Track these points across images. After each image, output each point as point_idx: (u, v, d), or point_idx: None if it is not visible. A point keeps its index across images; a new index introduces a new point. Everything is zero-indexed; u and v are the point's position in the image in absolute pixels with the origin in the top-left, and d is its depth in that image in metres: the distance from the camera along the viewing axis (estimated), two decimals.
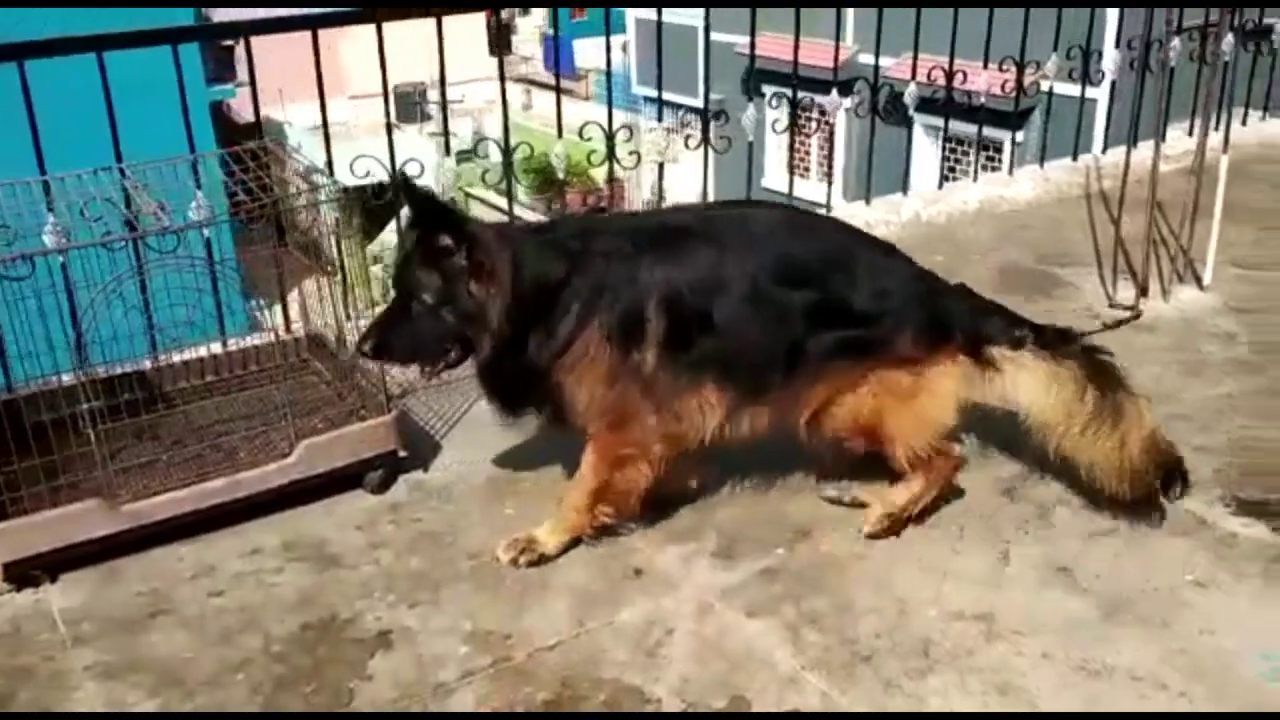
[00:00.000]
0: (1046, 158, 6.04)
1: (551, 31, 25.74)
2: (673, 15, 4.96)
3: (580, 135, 4.49)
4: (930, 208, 5.51)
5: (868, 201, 5.45)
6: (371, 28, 3.97)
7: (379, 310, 3.10)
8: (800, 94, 5.01)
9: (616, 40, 22.69)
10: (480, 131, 18.57)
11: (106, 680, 2.61)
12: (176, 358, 3.52)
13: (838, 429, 3.04)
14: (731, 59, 6.67)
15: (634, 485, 2.98)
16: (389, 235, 22.09)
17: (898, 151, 5.53)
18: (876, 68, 5.12)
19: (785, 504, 3.20)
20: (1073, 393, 3.00)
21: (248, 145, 3.33)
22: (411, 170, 4.18)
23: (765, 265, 2.92)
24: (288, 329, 3.94)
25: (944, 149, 5.64)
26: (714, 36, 5.30)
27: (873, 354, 2.97)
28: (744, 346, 2.91)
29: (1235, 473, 3.29)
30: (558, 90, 4.65)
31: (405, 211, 3.00)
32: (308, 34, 3.93)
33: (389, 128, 4.15)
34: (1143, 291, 4.42)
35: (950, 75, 5.29)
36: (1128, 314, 4.28)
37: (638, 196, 19.47)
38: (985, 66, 5.42)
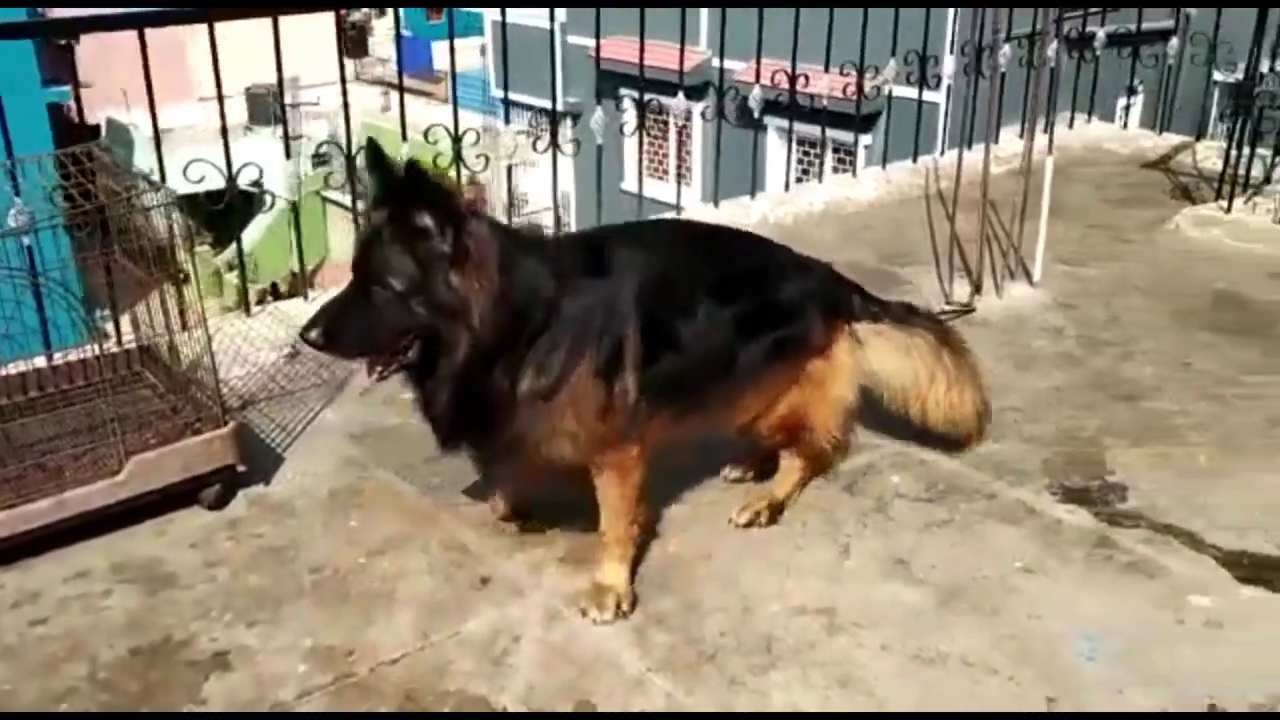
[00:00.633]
0: (895, 160, 6.22)
1: (409, 33, 25.42)
2: (529, 18, 4.95)
3: (426, 138, 4.43)
4: (778, 209, 5.61)
5: (716, 204, 5.52)
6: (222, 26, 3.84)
7: (330, 296, 2.69)
8: (652, 97, 5.05)
9: (475, 42, 22.54)
10: (335, 135, 18.22)
11: None
12: None
13: (771, 427, 3.12)
14: (588, 63, 6.68)
15: (645, 486, 2.87)
16: (245, 242, 21.61)
17: (755, 154, 5.63)
18: (721, 70, 5.19)
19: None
20: (933, 357, 3.23)
21: (68, 150, 3.18)
22: (249, 174, 4.09)
23: (705, 279, 2.92)
24: (119, 340, 3.79)
25: (790, 151, 5.75)
26: (570, 39, 5.30)
27: (796, 350, 3.06)
28: (698, 361, 2.88)
29: (1061, 462, 3.44)
30: (400, 91, 4.58)
31: (374, 185, 2.60)
32: (155, 33, 3.78)
33: (224, 130, 4.02)
34: (977, 289, 4.58)
35: (793, 79, 5.40)
36: (962, 310, 4.43)
37: (498, 199, 19.39)
38: (826, 70, 5.55)
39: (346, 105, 4.31)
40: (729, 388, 2.99)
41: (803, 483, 3.24)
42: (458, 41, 4.80)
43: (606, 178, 5.08)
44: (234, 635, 2.71)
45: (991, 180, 4.80)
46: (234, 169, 4.03)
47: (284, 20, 4.08)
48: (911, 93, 5.91)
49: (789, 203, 5.72)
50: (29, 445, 3.17)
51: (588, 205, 5.16)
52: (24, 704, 2.50)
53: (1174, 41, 6.71)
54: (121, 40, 3.82)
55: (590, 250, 2.80)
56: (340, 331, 2.55)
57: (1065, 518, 3.18)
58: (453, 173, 4.66)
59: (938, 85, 5.97)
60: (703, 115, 5.37)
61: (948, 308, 4.47)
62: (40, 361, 3.46)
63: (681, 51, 5.07)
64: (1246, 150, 5.47)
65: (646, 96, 5.04)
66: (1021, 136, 4.83)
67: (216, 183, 4.15)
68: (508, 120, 4.71)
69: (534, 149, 4.82)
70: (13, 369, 3.38)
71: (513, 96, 12.51)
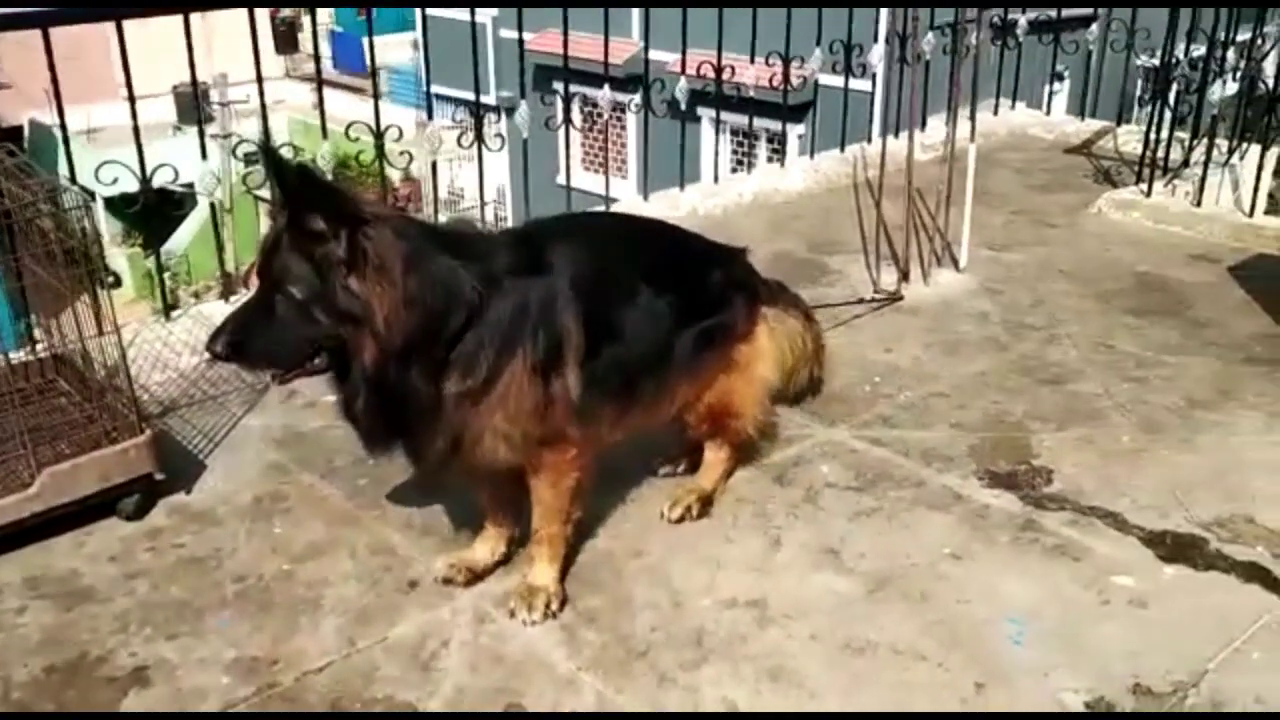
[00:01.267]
0: (827, 149, 6.24)
1: (340, 29, 25.06)
2: (459, 11, 4.87)
3: (346, 134, 4.36)
4: (708, 200, 5.61)
5: (645, 196, 5.50)
6: (145, 24, 3.74)
7: (237, 305, 2.59)
8: (578, 90, 5.01)
9: (407, 37, 22.30)
10: (269, 134, 17.90)
11: None
12: None
13: (699, 416, 3.12)
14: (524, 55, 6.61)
15: (582, 485, 2.81)
16: (175, 242, 21.24)
17: (689, 144, 5.60)
18: (647, 63, 5.17)
19: None
20: (801, 338, 3.34)
21: None
22: (165, 175, 4.00)
23: (640, 270, 2.90)
24: (32, 348, 3.68)
25: (717, 142, 5.74)
26: (503, 33, 5.24)
27: (725, 337, 3.07)
28: (639, 354, 2.86)
29: (988, 447, 3.47)
30: (319, 87, 4.50)
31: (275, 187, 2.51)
32: (77, 32, 3.68)
33: (136, 131, 3.92)
34: (904, 276, 4.61)
35: (719, 70, 5.39)
36: (890, 297, 4.46)
37: (431, 196, 19.19)
38: (752, 61, 5.55)
39: (264, 103, 4.22)
40: (666, 379, 2.98)
41: (729, 473, 3.25)
42: (391, 37, 4.74)
43: (543, 171, 5.04)
44: (154, 649, 2.65)
45: (918, 168, 4.84)
46: (154, 169, 3.92)
47: (213, 16, 3.98)
48: (841, 83, 5.93)
49: (719, 194, 5.72)
50: None
51: (524, 199, 5.11)
52: None
53: (1094, 28, 6.81)
54: (42, 41, 3.71)
55: (521, 245, 2.74)
56: (245, 342, 2.48)
57: (992, 502, 3.20)
58: (377, 169, 4.61)
59: (864, 74, 5.99)
60: (629, 107, 5.31)
61: (876, 295, 4.50)
62: None
63: (606, 44, 5.04)
64: (1165, 134, 5.56)
65: (576, 89, 5.00)
66: (947, 124, 4.85)
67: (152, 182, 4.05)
68: (430, 115, 4.63)
69: (459, 144, 4.77)
70: None
71: (445, 91, 12.38)
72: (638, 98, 5.34)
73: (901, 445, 3.48)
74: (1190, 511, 3.14)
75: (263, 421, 3.62)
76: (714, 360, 3.07)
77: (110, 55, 3.73)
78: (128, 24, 3.84)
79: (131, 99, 3.87)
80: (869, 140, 6.36)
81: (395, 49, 22.22)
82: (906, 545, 3.03)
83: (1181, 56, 5.61)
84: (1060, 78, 7.76)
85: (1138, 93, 8.66)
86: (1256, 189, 5.19)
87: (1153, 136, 5.55)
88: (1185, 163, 5.61)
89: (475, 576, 2.87)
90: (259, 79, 4.16)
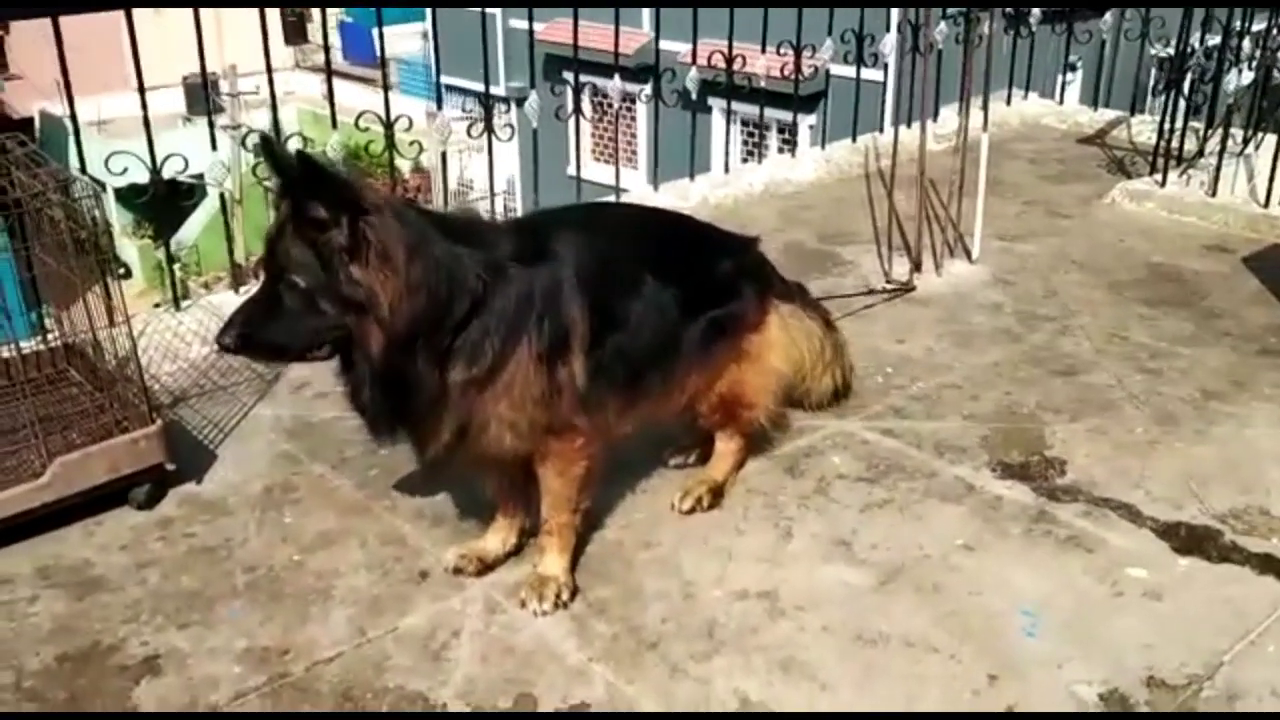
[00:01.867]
0: (841, 140, 6.21)
1: (350, 19, 25.05)
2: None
3: (357, 125, 4.35)
4: (718, 191, 5.59)
5: (655, 187, 5.48)
6: (155, 15, 3.73)
7: (244, 296, 2.59)
8: (588, 80, 4.99)
9: (417, 28, 22.28)
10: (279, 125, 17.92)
11: None
12: None
13: (710, 407, 3.11)
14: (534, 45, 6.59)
15: (591, 474, 2.80)
16: (185, 233, 21.27)
17: (700, 135, 5.58)
18: (658, 52, 5.16)
19: None
20: (819, 342, 3.34)
21: None
22: (174, 165, 3.99)
23: (646, 259, 2.88)
24: (44, 338, 3.69)
25: (728, 132, 5.72)
26: (513, 24, 5.23)
27: (735, 327, 3.05)
28: (645, 344, 2.84)
29: (1000, 438, 3.45)
30: (329, 77, 4.49)
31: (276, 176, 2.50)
32: (87, 23, 3.68)
33: (146, 121, 3.91)
34: (916, 266, 4.59)
35: (730, 59, 5.36)
36: (902, 288, 4.44)
37: (441, 187, 19.19)
38: (763, 51, 5.52)
39: (273, 95, 4.22)
40: (674, 369, 2.97)
41: (740, 464, 3.24)
42: (400, 28, 4.73)
43: (553, 162, 5.04)
44: (165, 638, 2.65)
45: (931, 158, 4.81)
46: (163, 159, 3.92)
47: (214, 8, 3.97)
48: (853, 73, 5.90)
49: (729, 184, 5.70)
50: None
51: (533, 190, 5.11)
52: None
53: (1108, 17, 6.76)
54: (53, 32, 3.70)
55: (527, 234, 2.74)
56: (254, 334, 2.47)
57: (1004, 494, 3.19)
58: (387, 159, 4.59)
59: (876, 64, 5.96)
60: (640, 97, 5.30)
61: (888, 286, 4.48)
62: None
63: (616, 34, 5.01)
64: (1180, 124, 5.52)
65: (586, 79, 4.98)
66: (960, 114, 4.83)
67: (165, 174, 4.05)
68: (440, 105, 4.64)
69: (468, 134, 4.75)
70: None
71: (455, 82, 12.40)
72: (648, 88, 5.32)
73: (913, 436, 3.46)
74: (1205, 503, 3.12)
75: (273, 412, 3.62)
76: (724, 350, 3.06)
77: (120, 47, 3.72)
78: (138, 14, 3.83)
79: (141, 89, 3.87)
80: (880, 131, 6.33)
81: (404, 40, 22.21)
82: (918, 537, 3.01)
83: (1197, 45, 5.57)
84: (1073, 68, 7.70)
85: (1151, 83, 8.60)
86: (1272, 179, 5.15)
87: (1167, 126, 5.50)
88: (1200, 153, 5.57)
89: (486, 567, 2.87)
90: (269, 70, 4.15)
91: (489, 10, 4.84)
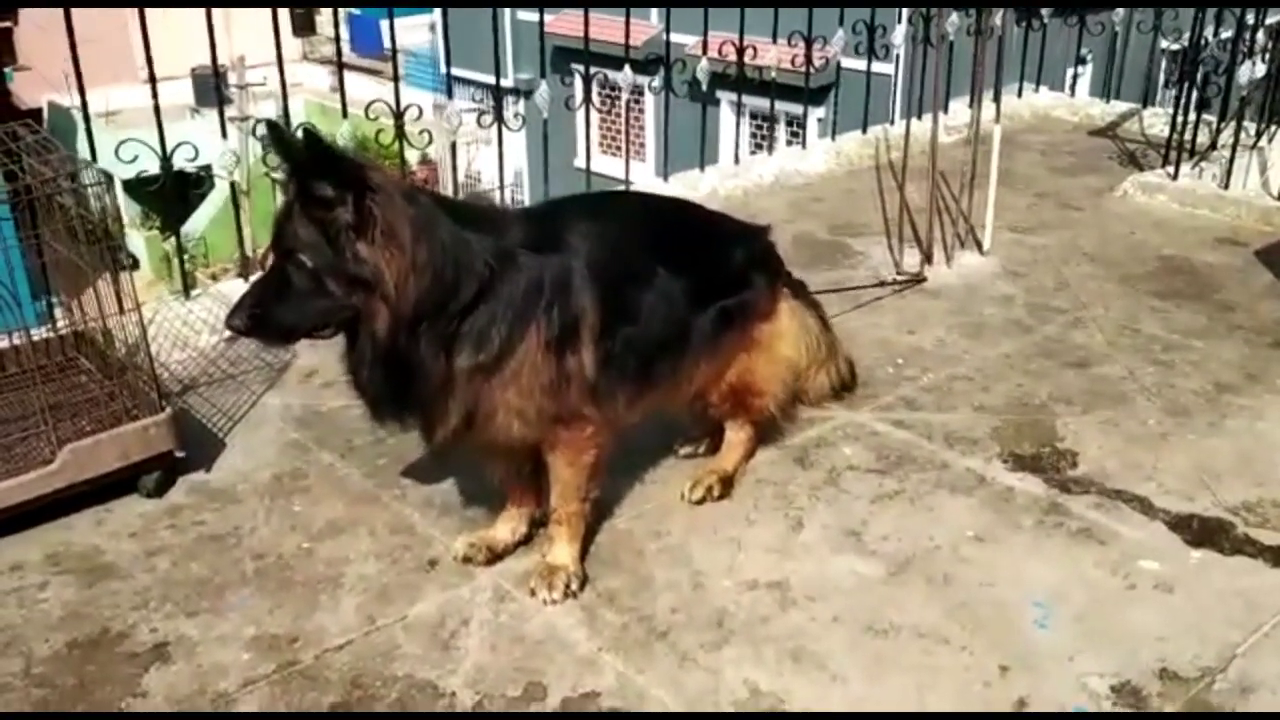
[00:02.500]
0: (851, 132, 6.19)
1: (358, 12, 25.02)
2: None
3: (366, 114, 4.34)
4: (727, 182, 5.57)
5: (665, 178, 5.47)
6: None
7: (253, 279, 2.57)
8: (599, 71, 4.98)
9: (425, 19, 22.25)
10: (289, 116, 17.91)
11: None
12: None
13: (721, 395, 3.10)
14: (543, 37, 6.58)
15: (600, 463, 2.80)
16: (193, 224, 21.30)
17: (709, 127, 5.57)
18: (668, 44, 5.13)
19: None
20: (817, 338, 3.32)
21: None
22: (184, 154, 3.99)
23: (657, 249, 2.88)
24: (53, 325, 3.69)
25: (738, 124, 5.71)
26: (520, 15, 5.21)
27: (746, 316, 3.04)
28: (656, 333, 2.83)
29: (1012, 430, 3.43)
30: (339, 67, 4.48)
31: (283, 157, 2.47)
32: (96, 14, 3.67)
33: (156, 109, 3.91)
34: (927, 258, 4.57)
35: (740, 51, 5.34)
36: (912, 280, 4.42)
37: (449, 178, 19.19)
38: (774, 42, 5.50)
39: (284, 85, 4.21)
40: (684, 359, 2.95)
41: (749, 453, 3.23)
42: (408, 19, 4.72)
43: (561, 154, 5.01)
44: (174, 625, 2.65)
45: (942, 150, 4.80)
46: (173, 148, 3.92)
47: None
48: (865, 65, 5.88)
49: (739, 175, 5.68)
50: None
51: (541, 181, 5.10)
52: None
53: (1120, 10, 6.72)
54: (61, 23, 3.70)
55: (537, 222, 2.73)
56: (264, 315, 2.47)
57: (1016, 485, 3.17)
58: (396, 149, 4.58)
59: (887, 55, 5.93)
60: (649, 88, 5.28)
61: (899, 277, 4.46)
62: None
63: (627, 25, 4.99)
64: (1192, 116, 5.49)
65: (596, 70, 4.97)
66: (971, 106, 4.80)
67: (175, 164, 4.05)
68: (450, 95, 4.59)
69: (478, 124, 4.74)
70: None
71: (463, 74, 12.41)
72: (657, 80, 5.31)
73: (924, 427, 3.45)
74: (1217, 495, 3.10)
75: (282, 400, 3.61)
76: (735, 339, 3.05)
77: (130, 38, 3.72)
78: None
79: (153, 78, 3.86)
80: (890, 123, 6.30)
81: (412, 31, 22.16)
82: (929, 528, 3.00)
83: (1210, 38, 5.53)
84: (1084, 61, 7.66)
85: (1163, 75, 8.56)
86: None
87: (1180, 119, 5.47)
88: (1213, 145, 5.53)
89: (495, 556, 2.86)
90: (279, 61, 4.14)
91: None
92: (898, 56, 5.94)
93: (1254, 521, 2.99)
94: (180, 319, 4.04)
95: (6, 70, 23.85)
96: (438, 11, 21.30)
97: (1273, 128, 5.43)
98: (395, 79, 4.42)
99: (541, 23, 4.95)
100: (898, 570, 2.84)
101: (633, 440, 3.05)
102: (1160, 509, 3.05)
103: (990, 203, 4.71)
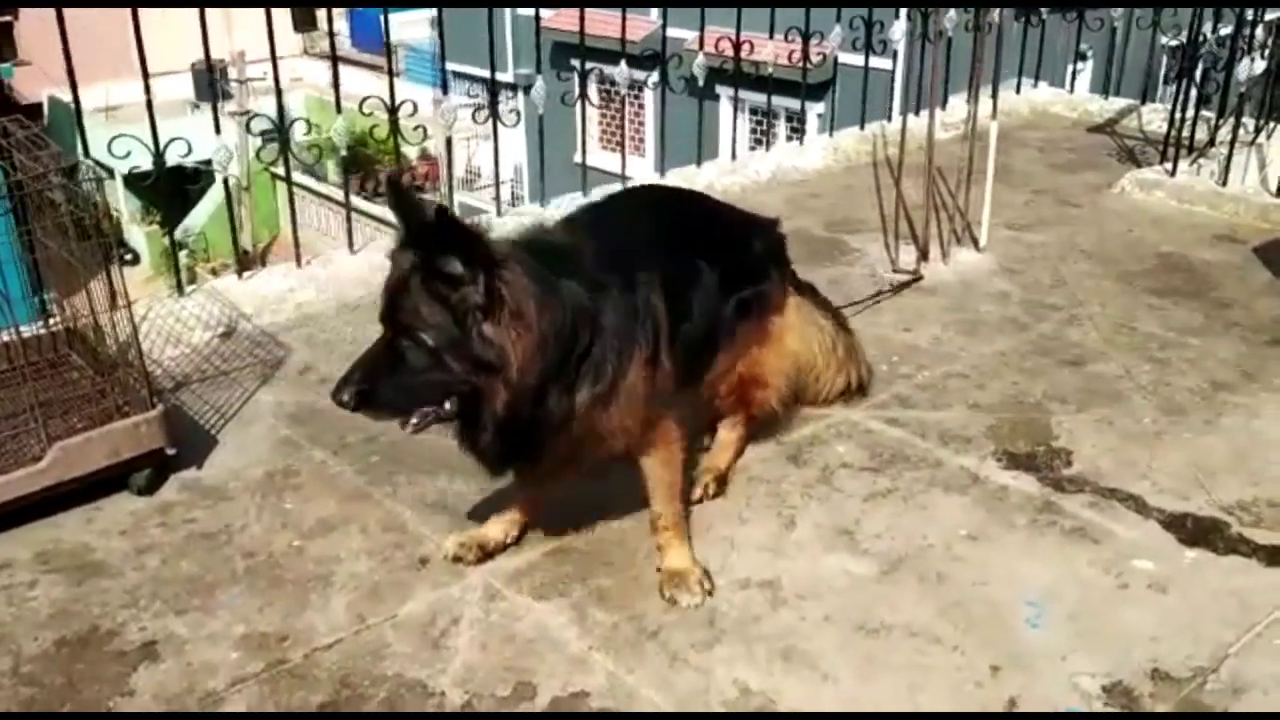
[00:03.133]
0: (850, 128, 6.17)
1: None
2: None
3: (361, 110, 4.33)
4: (725, 178, 5.55)
5: (662, 173, 5.45)
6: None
7: (362, 352, 2.45)
8: (594, 66, 4.97)
9: (425, 14, 22.22)
10: (285, 110, 17.92)
11: None
12: None
13: (729, 386, 3.09)
14: (542, 34, 6.56)
15: (685, 457, 2.82)
16: (193, 219, 21.29)
17: (710, 123, 5.55)
18: (664, 40, 5.12)
19: (579, 484, 3.14)
20: (832, 339, 3.32)
21: None
22: (178, 149, 3.97)
23: (697, 244, 2.88)
24: (45, 322, 3.67)
25: (735, 119, 5.68)
26: (520, 11, 5.18)
27: (763, 308, 3.04)
28: (703, 329, 2.84)
29: (1006, 428, 3.42)
30: (334, 63, 4.46)
31: (397, 225, 2.41)
32: (100, 11, 3.67)
33: (149, 104, 3.89)
34: (923, 255, 4.56)
35: (738, 46, 5.33)
36: (909, 277, 4.40)
37: (456, 172, 19.16)
38: (771, 37, 5.48)
39: (278, 79, 4.19)
40: (718, 352, 2.97)
41: (740, 450, 3.22)
42: (408, 14, 4.71)
43: (562, 150, 5.00)
44: (164, 624, 2.64)
45: (940, 146, 4.78)
46: (167, 143, 3.90)
47: None
48: (864, 61, 5.85)
49: (736, 172, 5.66)
50: None
51: (545, 178, 5.10)
52: None
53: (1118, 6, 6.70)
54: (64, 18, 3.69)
55: (598, 238, 2.67)
56: (374, 391, 2.36)
57: (1010, 484, 3.16)
58: (391, 145, 4.57)
59: (885, 51, 5.90)
60: (645, 84, 5.26)
61: (895, 275, 4.44)
62: None
63: (624, 21, 4.98)
64: (1190, 113, 5.47)
65: (595, 66, 4.95)
66: (968, 102, 4.78)
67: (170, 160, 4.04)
68: (445, 90, 4.55)
69: (473, 119, 4.73)
70: None
71: (462, 69, 12.37)
72: (655, 75, 5.29)
73: (918, 426, 3.43)
74: (1212, 494, 3.09)
75: (275, 397, 3.60)
76: (751, 331, 3.04)
77: (130, 34, 3.71)
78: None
79: (145, 73, 3.84)
80: (888, 119, 6.28)
81: (412, 26, 22.15)
82: (922, 526, 2.99)
83: (1209, 34, 5.51)
84: (1084, 57, 7.63)
85: (1163, 71, 8.54)
86: None
87: (1178, 115, 5.45)
88: (1211, 142, 5.51)
89: (486, 555, 2.85)
90: (273, 60, 4.13)
91: None
92: (896, 53, 5.91)
93: (1248, 521, 2.98)
94: (174, 315, 4.02)
95: (7, 65, 23.85)
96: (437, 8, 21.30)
97: (1271, 124, 5.41)
98: (390, 74, 4.40)
99: (538, 18, 4.92)
100: (890, 569, 2.83)
101: None
102: (1154, 508, 3.04)
103: (987, 199, 4.70)
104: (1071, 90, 7.18)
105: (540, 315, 2.33)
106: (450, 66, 6.35)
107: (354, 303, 4.22)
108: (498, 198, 5.41)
